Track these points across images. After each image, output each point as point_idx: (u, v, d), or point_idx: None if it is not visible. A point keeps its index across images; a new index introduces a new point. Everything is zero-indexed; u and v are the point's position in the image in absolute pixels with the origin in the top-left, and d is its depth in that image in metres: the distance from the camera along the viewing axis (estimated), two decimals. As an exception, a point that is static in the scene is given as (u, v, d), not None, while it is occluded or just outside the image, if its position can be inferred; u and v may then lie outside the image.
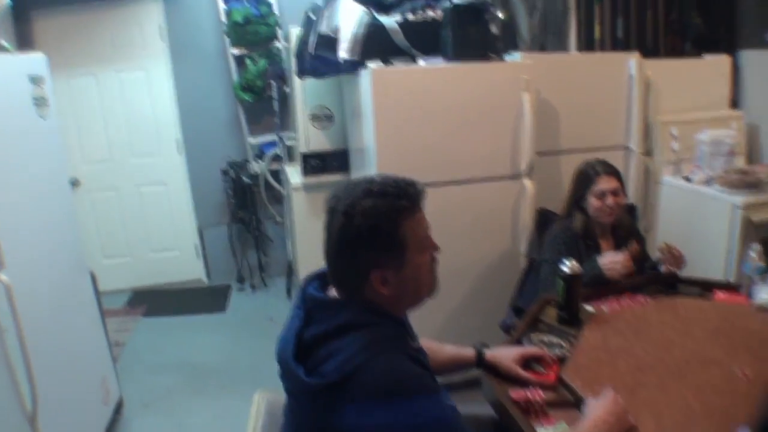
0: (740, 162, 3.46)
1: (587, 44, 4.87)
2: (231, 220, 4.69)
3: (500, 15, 4.42)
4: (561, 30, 4.75)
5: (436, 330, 2.92)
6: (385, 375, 1.13)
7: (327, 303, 1.26)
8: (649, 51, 5.02)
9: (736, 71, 3.86)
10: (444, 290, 2.86)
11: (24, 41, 4.15)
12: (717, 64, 3.73)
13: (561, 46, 4.78)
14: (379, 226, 1.19)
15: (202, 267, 4.91)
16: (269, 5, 4.35)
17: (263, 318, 4.26)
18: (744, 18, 5.45)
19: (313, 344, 1.19)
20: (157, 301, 4.59)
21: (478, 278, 2.95)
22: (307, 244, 3.65)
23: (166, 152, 4.65)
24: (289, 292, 4.57)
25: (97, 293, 2.94)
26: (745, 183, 3.00)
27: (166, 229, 4.80)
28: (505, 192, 2.90)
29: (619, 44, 5.01)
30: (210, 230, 4.82)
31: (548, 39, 4.71)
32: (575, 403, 1.57)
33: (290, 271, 4.53)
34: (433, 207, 2.73)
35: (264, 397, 1.53)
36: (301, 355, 1.19)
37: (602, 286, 2.25)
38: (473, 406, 1.80)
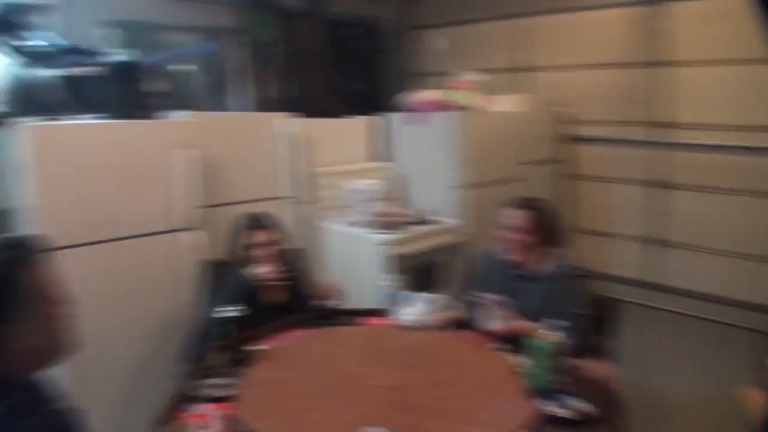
0: (389, 206, 3.98)
1: (258, 103, 5.20)
2: None
3: (170, 72, 4.51)
4: (233, 89, 4.99)
5: (117, 389, 2.81)
6: None
7: None
8: (314, 110, 5.59)
9: (386, 129, 4.46)
10: (120, 348, 2.77)
11: None
12: (366, 123, 4.27)
13: (233, 104, 5.02)
14: None
15: None
16: None
17: None
18: (392, 86, 6.44)
19: None
20: None
21: (154, 332, 2.88)
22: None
23: None
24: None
25: None
26: (390, 224, 3.51)
27: None
28: (171, 245, 2.90)
29: (288, 103, 5.46)
30: None
31: (221, 98, 4.91)
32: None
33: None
34: (102, 265, 2.65)
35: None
36: None
37: (274, 326, 2.40)
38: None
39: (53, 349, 1.26)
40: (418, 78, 6.35)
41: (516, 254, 2.49)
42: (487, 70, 4.21)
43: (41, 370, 1.28)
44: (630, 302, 4.72)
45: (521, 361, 2.05)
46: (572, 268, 2.42)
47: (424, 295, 2.49)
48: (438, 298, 2.49)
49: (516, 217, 2.49)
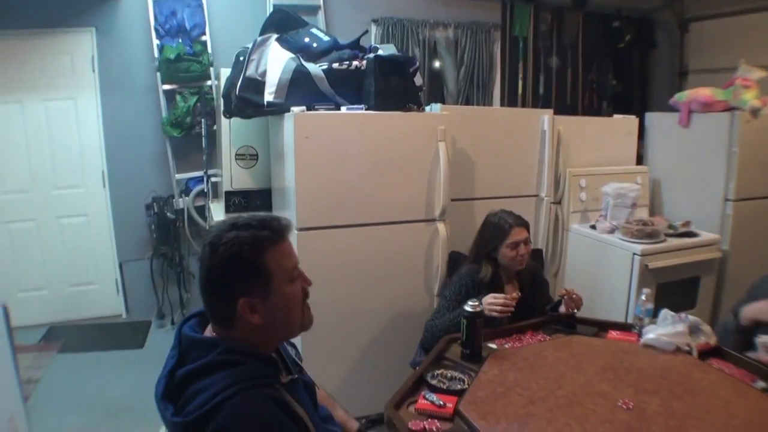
0: (643, 213, 3.71)
1: (510, 98, 5.18)
2: (153, 255, 4.63)
3: (429, 67, 4.68)
4: (486, 84, 5.03)
5: (350, 367, 2.99)
6: (237, 416, 1.16)
7: (200, 342, 1.30)
8: (568, 107, 5.39)
9: (643, 130, 4.15)
10: (359, 328, 2.95)
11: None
12: (625, 123, 3.98)
13: (486, 99, 5.07)
14: (240, 254, 1.24)
15: (122, 302, 4.81)
16: (203, 44, 4.42)
17: (182, 355, 4.17)
18: (654, 84, 5.95)
19: (184, 383, 1.23)
20: (74, 337, 4.44)
21: (393, 317, 3.03)
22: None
23: (89, 184, 4.59)
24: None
25: (9, 328, 2.84)
26: (644, 233, 3.24)
27: (85, 262, 4.70)
28: (419, 235, 3.01)
29: (540, 99, 5.35)
30: (131, 264, 4.73)
31: (474, 92, 4.99)
32: (469, 433, 1.66)
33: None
34: (351, 247, 2.85)
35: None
36: (174, 393, 1.24)
37: (508, 327, 2.39)
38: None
39: (288, 325, 1.35)
40: (686, 75, 5.81)
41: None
42: (765, 67, 3.68)
43: (276, 343, 1.40)
44: None
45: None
46: None
47: (674, 314, 2.27)
48: (690, 319, 2.25)
49: None
